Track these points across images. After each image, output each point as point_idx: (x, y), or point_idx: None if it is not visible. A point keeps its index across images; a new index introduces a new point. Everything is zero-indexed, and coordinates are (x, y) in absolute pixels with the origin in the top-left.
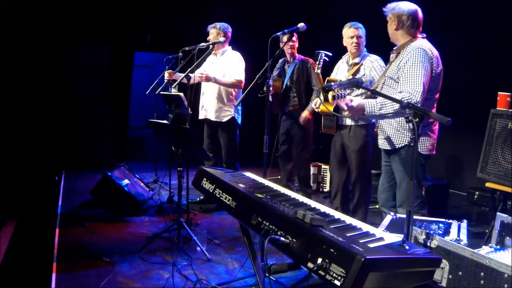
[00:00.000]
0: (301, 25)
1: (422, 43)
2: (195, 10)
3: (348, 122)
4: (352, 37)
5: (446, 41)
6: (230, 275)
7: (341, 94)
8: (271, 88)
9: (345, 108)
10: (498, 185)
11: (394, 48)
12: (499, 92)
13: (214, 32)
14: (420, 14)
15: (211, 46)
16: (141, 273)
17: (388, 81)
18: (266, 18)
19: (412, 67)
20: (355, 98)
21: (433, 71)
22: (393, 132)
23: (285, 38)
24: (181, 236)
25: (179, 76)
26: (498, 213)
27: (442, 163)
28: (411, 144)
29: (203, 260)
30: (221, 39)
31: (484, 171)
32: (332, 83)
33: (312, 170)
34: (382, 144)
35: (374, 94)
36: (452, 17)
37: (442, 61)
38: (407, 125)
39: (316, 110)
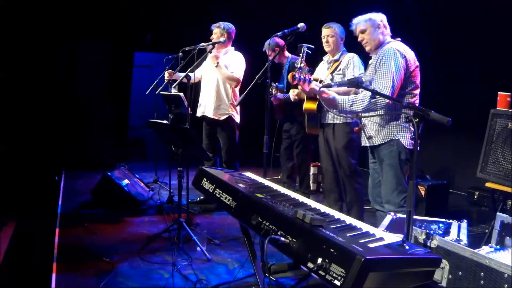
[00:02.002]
0: (301, 25)
1: (395, 44)
2: (196, 10)
3: (331, 120)
4: (324, 37)
5: (446, 41)
6: (230, 275)
7: (304, 77)
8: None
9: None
10: (498, 185)
11: (371, 54)
12: (499, 92)
13: (218, 31)
14: (385, 18)
15: (211, 46)
16: (141, 273)
17: None
18: (267, 18)
19: (385, 64)
20: (331, 92)
21: (408, 69)
22: (376, 127)
23: (270, 52)
24: (181, 236)
25: (179, 76)
26: (498, 213)
27: (442, 163)
28: (395, 138)
29: (203, 260)
30: (222, 39)
31: (484, 171)
32: (332, 83)
33: (312, 170)
34: (366, 141)
35: (374, 94)
36: (452, 17)
37: (442, 61)
38: (389, 120)
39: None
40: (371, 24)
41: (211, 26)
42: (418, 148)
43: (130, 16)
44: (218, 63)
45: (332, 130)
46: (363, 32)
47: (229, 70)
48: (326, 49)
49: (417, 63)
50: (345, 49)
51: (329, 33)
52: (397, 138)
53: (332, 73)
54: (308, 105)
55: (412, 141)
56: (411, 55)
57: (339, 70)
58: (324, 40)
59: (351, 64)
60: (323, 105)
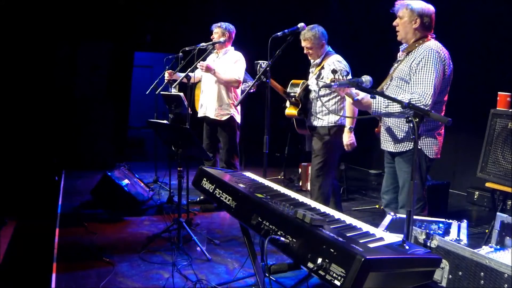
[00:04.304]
0: (301, 25)
1: (435, 44)
2: (196, 10)
3: (314, 123)
4: (304, 48)
5: (446, 41)
6: (230, 275)
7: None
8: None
9: (351, 101)
10: (498, 185)
11: (402, 48)
12: (499, 92)
13: (219, 31)
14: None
15: (211, 46)
16: (141, 273)
17: (398, 81)
18: (267, 18)
19: (424, 69)
20: (361, 92)
21: (445, 73)
22: (400, 134)
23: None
24: (181, 236)
25: (179, 76)
26: (498, 213)
27: (442, 163)
28: (418, 148)
29: (203, 260)
30: (222, 39)
31: (484, 171)
32: (332, 83)
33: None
34: (386, 145)
35: (374, 94)
36: (452, 17)
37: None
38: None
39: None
40: (409, 14)
41: (211, 26)
42: (439, 156)
43: (130, 16)
44: (214, 70)
45: (314, 132)
46: (400, 18)
47: (228, 71)
48: (309, 57)
49: (452, 65)
50: (330, 50)
51: (306, 44)
52: (420, 147)
53: (317, 78)
54: (290, 111)
55: (436, 151)
56: (448, 58)
57: (322, 77)
58: (304, 51)
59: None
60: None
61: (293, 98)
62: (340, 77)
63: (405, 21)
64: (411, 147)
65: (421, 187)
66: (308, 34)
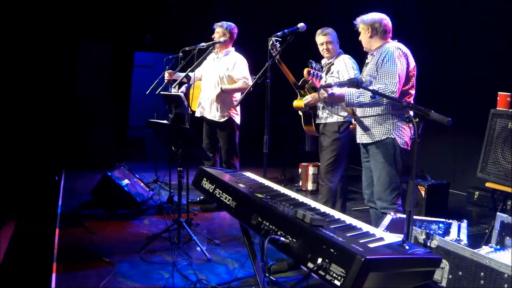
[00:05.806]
0: (301, 25)
1: (396, 44)
2: (196, 10)
3: (323, 119)
4: (322, 44)
5: (446, 41)
6: (230, 275)
7: (317, 74)
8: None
9: (325, 95)
10: (498, 185)
11: (370, 53)
12: (499, 92)
13: (220, 31)
14: (389, 21)
15: (211, 46)
16: (141, 273)
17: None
18: (267, 18)
19: (388, 62)
20: (335, 87)
21: (408, 68)
22: (374, 125)
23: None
24: (181, 236)
25: (179, 76)
26: (498, 213)
27: (442, 163)
28: (391, 137)
29: (203, 260)
30: (222, 39)
31: (484, 171)
32: (333, 83)
33: (312, 170)
34: (362, 138)
35: (374, 94)
36: (452, 18)
37: (442, 61)
38: (386, 118)
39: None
40: (362, 26)
41: (213, 25)
42: (409, 148)
43: (130, 16)
44: (221, 89)
45: (322, 129)
46: (360, 32)
47: (233, 73)
48: (325, 55)
49: (414, 63)
50: (341, 50)
51: (327, 39)
52: (393, 137)
53: (326, 73)
54: (298, 103)
55: (407, 141)
56: (409, 54)
57: (332, 72)
58: (322, 47)
59: (344, 66)
60: (326, 100)
61: (302, 90)
62: (316, 69)
63: (362, 33)
64: (384, 137)
65: (396, 177)
66: (327, 30)
